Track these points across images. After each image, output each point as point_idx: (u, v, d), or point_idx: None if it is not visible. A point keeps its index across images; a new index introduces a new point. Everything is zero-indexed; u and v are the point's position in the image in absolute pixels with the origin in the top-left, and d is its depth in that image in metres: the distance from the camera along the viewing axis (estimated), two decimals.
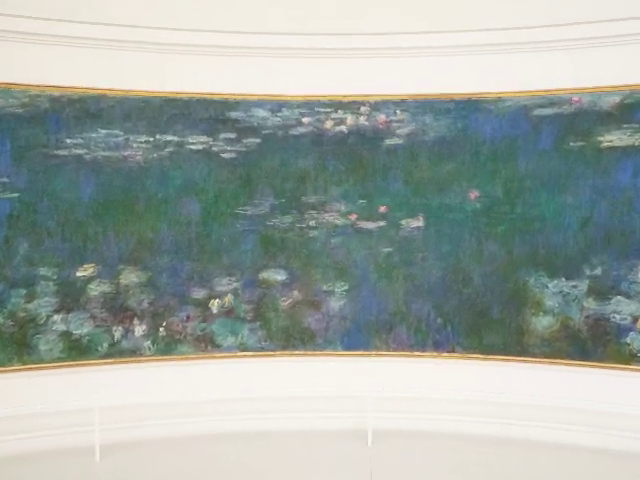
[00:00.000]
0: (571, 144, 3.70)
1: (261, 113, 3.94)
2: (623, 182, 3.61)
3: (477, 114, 3.85)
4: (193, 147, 3.89)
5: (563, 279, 3.75)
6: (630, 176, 3.59)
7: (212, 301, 3.96)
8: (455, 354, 3.93)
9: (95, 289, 3.78)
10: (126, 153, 3.80)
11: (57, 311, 3.72)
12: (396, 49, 3.79)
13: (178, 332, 3.93)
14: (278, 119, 3.94)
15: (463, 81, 3.81)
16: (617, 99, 3.59)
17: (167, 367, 3.88)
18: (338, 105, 3.96)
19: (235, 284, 3.97)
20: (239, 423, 3.83)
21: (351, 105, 3.95)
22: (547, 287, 3.78)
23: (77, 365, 3.75)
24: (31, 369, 3.66)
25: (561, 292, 3.76)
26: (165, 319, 3.90)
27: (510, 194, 3.83)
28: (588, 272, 3.70)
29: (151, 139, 3.84)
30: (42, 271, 3.68)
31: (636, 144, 3.57)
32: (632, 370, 3.61)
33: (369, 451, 3.67)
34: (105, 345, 3.81)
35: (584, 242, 3.71)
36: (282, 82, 3.88)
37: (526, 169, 3.80)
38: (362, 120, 3.96)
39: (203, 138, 3.90)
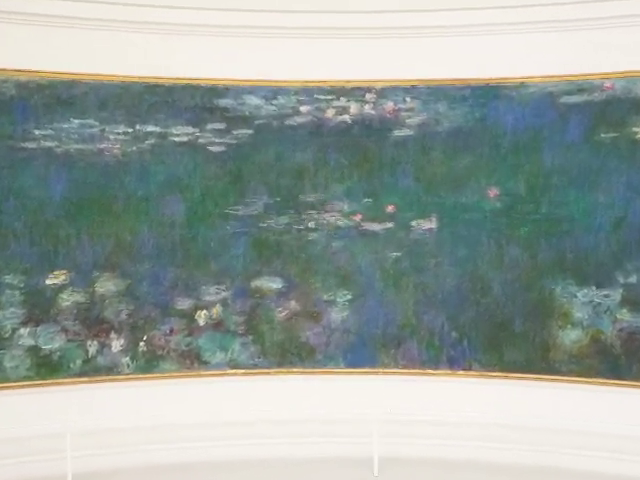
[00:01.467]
0: (602, 135, 3.64)
1: (254, 101, 3.89)
2: None
3: (497, 102, 3.78)
4: (177, 139, 3.84)
5: (594, 288, 3.69)
6: None
7: (199, 312, 3.90)
8: (472, 372, 3.85)
9: (67, 299, 3.73)
10: (102, 146, 3.75)
11: (24, 323, 3.66)
12: (405, 28, 3.74)
13: (160, 347, 3.87)
14: (273, 107, 3.90)
15: (481, 65, 3.75)
16: None
17: (148, 387, 3.80)
18: (340, 92, 3.91)
19: (224, 293, 3.92)
20: (229, 450, 3.75)
21: (355, 92, 3.90)
22: (576, 297, 3.72)
23: (47, 384, 3.68)
24: None
25: (591, 302, 3.70)
26: (146, 333, 3.84)
27: (534, 192, 3.77)
28: (622, 280, 3.64)
29: (130, 130, 3.78)
30: (7, 279, 3.62)
31: None
32: None
33: None
34: (78, 362, 3.75)
35: (617, 246, 3.64)
36: (277, 66, 3.82)
37: (552, 164, 3.73)
38: (367, 109, 3.90)
39: (188, 129, 3.84)
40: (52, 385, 3.68)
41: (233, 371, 3.92)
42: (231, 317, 3.93)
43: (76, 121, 3.68)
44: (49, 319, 3.69)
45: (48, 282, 3.68)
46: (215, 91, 3.84)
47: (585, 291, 3.70)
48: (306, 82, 3.87)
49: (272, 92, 3.88)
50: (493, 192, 3.82)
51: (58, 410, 3.62)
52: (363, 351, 3.95)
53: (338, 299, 3.96)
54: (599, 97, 3.63)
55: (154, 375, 3.83)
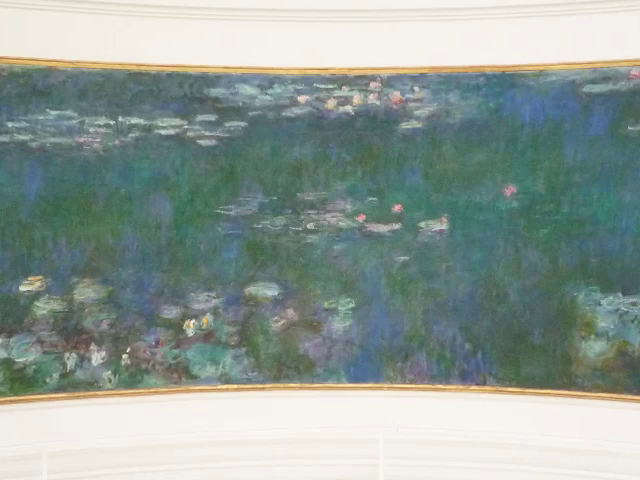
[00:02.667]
0: (630, 128, 3.59)
1: (247, 90, 3.83)
2: None
3: (514, 91, 3.73)
4: (163, 132, 3.79)
5: (620, 295, 3.64)
6: None
7: (187, 322, 3.84)
8: (487, 387, 3.79)
9: (43, 307, 3.68)
10: (81, 139, 3.70)
11: None
12: (414, 11, 3.69)
13: (145, 360, 3.80)
14: (268, 97, 3.85)
15: (497, 51, 3.69)
16: None
17: (132, 403, 3.75)
18: (343, 80, 3.84)
19: (215, 301, 3.86)
20: (220, 472, 3.72)
21: (358, 80, 3.84)
22: (600, 304, 3.67)
23: (20, 401, 3.63)
24: None
25: (617, 311, 3.65)
26: (129, 344, 3.78)
27: (554, 190, 3.71)
28: None
29: (112, 122, 3.74)
30: None
31: None
32: None
33: None
34: (55, 376, 3.69)
35: None
36: (273, 52, 3.78)
37: (574, 159, 3.68)
38: (372, 99, 3.85)
39: (176, 121, 3.80)
40: (26, 402, 3.64)
41: (225, 386, 3.86)
42: (223, 327, 3.87)
43: (53, 112, 3.65)
44: (23, 329, 3.65)
45: (22, 289, 3.65)
46: (205, 79, 3.80)
47: (610, 298, 3.65)
48: (305, 70, 3.82)
49: (268, 81, 3.83)
50: (510, 190, 3.76)
51: (33, 429, 3.59)
52: (367, 364, 3.89)
53: (340, 307, 3.90)
54: (626, 86, 3.59)
55: (138, 391, 3.77)
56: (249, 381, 3.87)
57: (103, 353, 3.74)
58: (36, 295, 3.65)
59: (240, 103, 3.83)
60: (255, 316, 3.89)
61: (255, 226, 3.87)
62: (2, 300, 3.59)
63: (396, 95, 3.83)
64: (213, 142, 3.83)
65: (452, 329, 3.83)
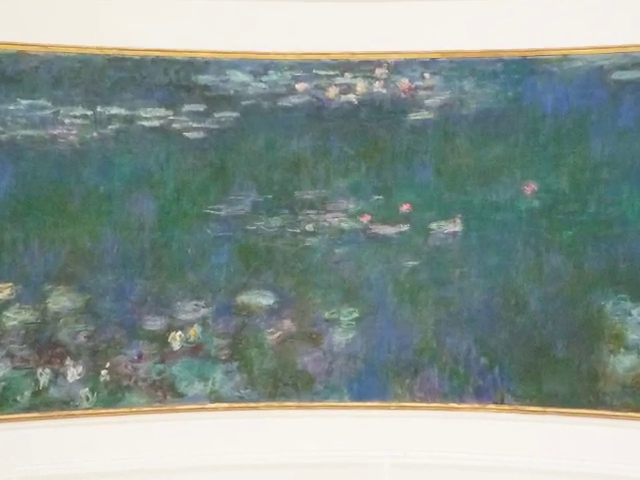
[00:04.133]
0: None
1: (239, 77, 3.78)
2: None
3: (535, 78, 3.68)
4: (147, 123, 3.74)
5: None
6: None
7: (173, 334, 3.78)
8: (504, 406, 3.72)
9: (13, 317, 3.63)
10: (55, 132, 3.66)
11: None
12: None
13: (126, 376, 3.74)
14: (263, 85, 3.80)
15: (516, 33, 3.65)
16: None
17: (111, 424, 3.69)
18: (345, 66, 3.79)
19: (204, 311, 3.80)
20: None
21: (363, 66, 3.79)
22: (630, 314, 3.62)
23: None
24: None
25: None
26: (109, 359, 3.72)
27: (580, 188, 3.66)
28: None
29: (89, 113, 3.69)
30: None
31: None
32: None
33: None
34: (27, 394, 3.64)
35: None
36: (268, 35, 3.73)
37: (602, 154, 3.63)
38: (378, 87, 3.79)
39: (160, 111, 3.75)
40: None
41: (214, 405, 3.79)
42: (212, 340, 3.81)
43: (24, 102, 3.63)
44: None
45: None
46: (193, 65, 3.75)
47: None
48: (303, 54, 3.77)
49: (262, 67, 3.79)
50: (530, 188, 3.71)
51: (1, 452, 3.51)
52: (372, 381, 3.83)
53: (342, 318, 3.84)
54: None
55: (119, 410, 3.72)
56: (241, 399, 3.81)
57: (80, 368, 3.69)
58: (5, 304, 3.62)
59: (231, 91, 3.79)
60: (248, 327, 3.83)
61: (248, 227, 3.83)
62: None
63: (404, 83, 3.79)
64: (201, 134, 3.79)
65: (466, 341, 3.78)
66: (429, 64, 3.75)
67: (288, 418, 3.79)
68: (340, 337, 3.84)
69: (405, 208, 3.81)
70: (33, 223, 3.64)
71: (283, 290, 3.84)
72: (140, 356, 3.76)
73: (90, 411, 3.70)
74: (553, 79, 3.67)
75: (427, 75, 3.77)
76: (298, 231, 3.85)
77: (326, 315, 3.84)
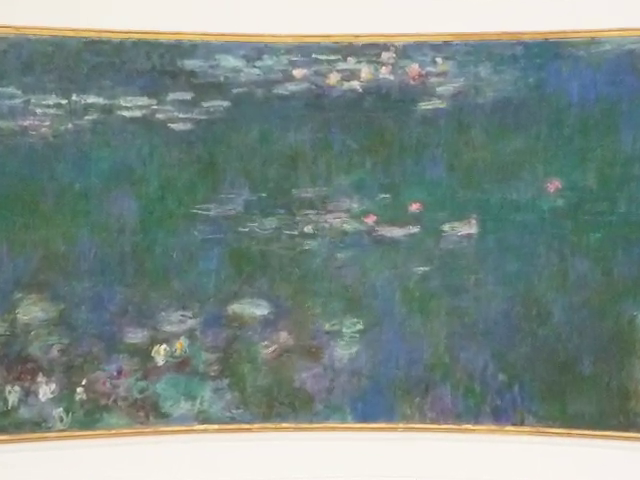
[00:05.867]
0: None
1: (231, 62, 3.73)
2: None
3: (559, 63, 3.64)
4: (127, 113, 3.70)
5: None
6: None
7: (156, 348, 3.73)
8: (525, 428, 3.67)
9: None
10: (26, 123, 3.62)
11: None
12: None
13: (105, 395, 3.69)
14: (256, 71, 3.75)
15: (538, 13, 3.61)
16: None
17: (88, 447, 3.63)
18: (348, 50, 3.74)
19: (191, 322, 3.75)
20: None
21: (368, 50, 3.74)
22: None
23: None
24: None
25: None
26: (85, 375, 3.66)
27: (609, 185, 3.62)
28: None
29: (64, 102, 3.65)
30: None
31: None
32: None
33: None
34: None
35: None
36: (263, 15, 3.69)
37: (633, 147, 3.59)
38: (384, 72, 3.74)
39: (143, 100, 3.71)
40: None
41: (203, 427, 3.74)
42: (200, 354, 3.76)
43: None
44: None
45: None
46: (179, 49, 3.71)
47: None
48: (301, 37, 3.73)
49: (256, 50, 3.74)
50: (554, 185, 3.66)
51: None
52: (378, 400, 3.77)
53: (345, 330, 3.78)
54: None
55: (96, 432, 3.66)
56: (233, 420, 3.76)
57: (53, 386, 3.63)
58: None
59: (221, 78, 3.74)
60: (240, 340, 3.77)
61: (240, 229, 3.77)
62: None
63: (414, 68, 3.73)
64: (188, 126, 3.75)
65: (483, 356, 3.72)
66: (441, 48, 3.71)
67: (285, 441, 3.74)
68: (342, 351, 3.79)
69: (415, 208, 3.76)
70: (1, 224, 3.60)
71: (279, 299, 3.79)
72: (120, 372, 3.71)
73: (64, 433, 3.64)
74: (579, 64, 3.62)
75: (439, 60, 3.72)
76: (296, 233, 3.80)
77: (327, 327, 3.79)
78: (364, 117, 3.76)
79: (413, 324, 3.76)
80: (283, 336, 3.77)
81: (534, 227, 3.68)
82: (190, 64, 3.71)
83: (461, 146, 3.73)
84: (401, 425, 3.75)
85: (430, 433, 3.73)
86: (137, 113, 3.70)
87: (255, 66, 3.75)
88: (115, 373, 3.69)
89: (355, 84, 3.74)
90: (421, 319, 3.76)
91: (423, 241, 3.76)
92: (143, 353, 3.72)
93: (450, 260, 3.75)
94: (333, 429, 3.75)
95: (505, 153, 3.70)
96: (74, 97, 3.63)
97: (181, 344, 3.74)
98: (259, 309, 3.78)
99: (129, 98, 3.69)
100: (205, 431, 3.74)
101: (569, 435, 3.62)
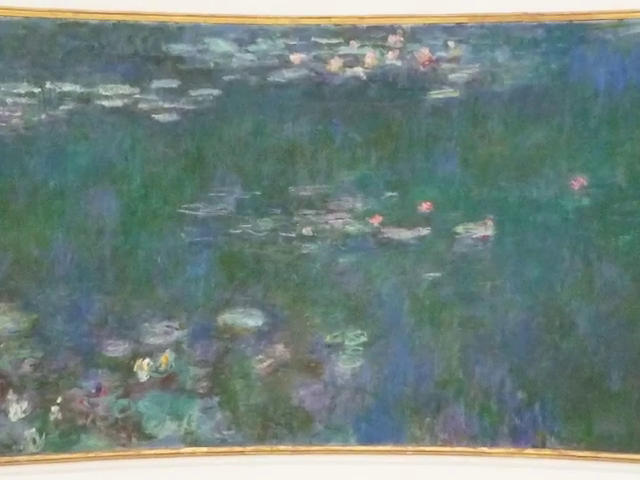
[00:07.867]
0: None
1: (221, 46, 3.69)
2: None
3: (584, 48, 3.59)
4: (107, 103, 3.66)
5: None
6: None
7: (139, 362, 3.65)
8: (547, 451, 3.59)
9: None
10: None
11: None
12: None
13: (82, 414, 3.62)
14: (250, 56, 3.69)
15: None
16: None
17: (64, 472, 3.56)
18: (351, 33, 3.69)
19: (177, 333, 3.69)
20: None
21: (373, 33, 3.69)
22: None
23: None
24: None
25: None
26: (60, 392, 3.59)
27: (639, 182, 3.58)
28: None
29: (37, 90, 3.61)
30: None
31: None
32: None
33: None
34: None
35: None
36: None
37: None
38: (391, 58, 3.68)
39: (124, 88, 3.66)
40: None
41: (191, 449, 3.66)
42: (188, 369, 3.68)
43: None
44: None
45: None
46: (164, 32, 3.65)
47: None
48: (299, 19, 3.67)
49: (249, 33, 3.68)
50: (578, 183, 3.60)
51: None
52: (384, 420, 3.70)
53: (347, 342, 3.70)
54: None
55: (73, 455, 3.58)
56: (224, 442, 3.68)
57: (24, 404, 3.56)
58: None
59: (211, 64, 3.68)
60: (232, 354, 3.70)
61: (232, 231, 3.70)
62: None
63: (424, 53, 3.66)
64: (174, 117, 3.69)
65: (500, 371, 3.64)
66: (454, 30, 3.65)
67: (281, 465, 3.67)
68: (345, 366, 3.72)
69: (424, 207, 3.69)
70: None
71: (275, 308, 3.72)
72: (99, 389, 3.64)
73: (38, 457, 3.57)
74: (607, 49, 3.57)
75: (451, 44, 3.65)
76: (293, 235, 3.73)
77: (327, 339, 3.72)
78: (369, 107, 3.70)
79: (423, 336, 3.70)
80: (279, 349, 3.71)
81: (556, 229, 3.62)
82: (176, 49, 3.65)
83: (476, 139, 3.67)
84: (410, 448, 3.68)
85: (442, 457, 3.66)
86: (118, 103, 3.65)
87: (248, 51, 3.69)
88: (94, 390, 3.62)
89: (359, 71, 3.69)
90: (431, 330, 3.69)
91: (434, 244, 3.69)
92: (124, 368, 3.65)
93: (464, 265, 3.68)
94: (334, 452, 3.69)
95: (525, 147, 3.64)
96: (48, 85, 3.59)
97: (166, 358, 3.68)
98: (253, 319, 3.72)
99: (109, 86, 3.63)
100: (193, 454, 3.67)
101: (595, 459, 3.55)
